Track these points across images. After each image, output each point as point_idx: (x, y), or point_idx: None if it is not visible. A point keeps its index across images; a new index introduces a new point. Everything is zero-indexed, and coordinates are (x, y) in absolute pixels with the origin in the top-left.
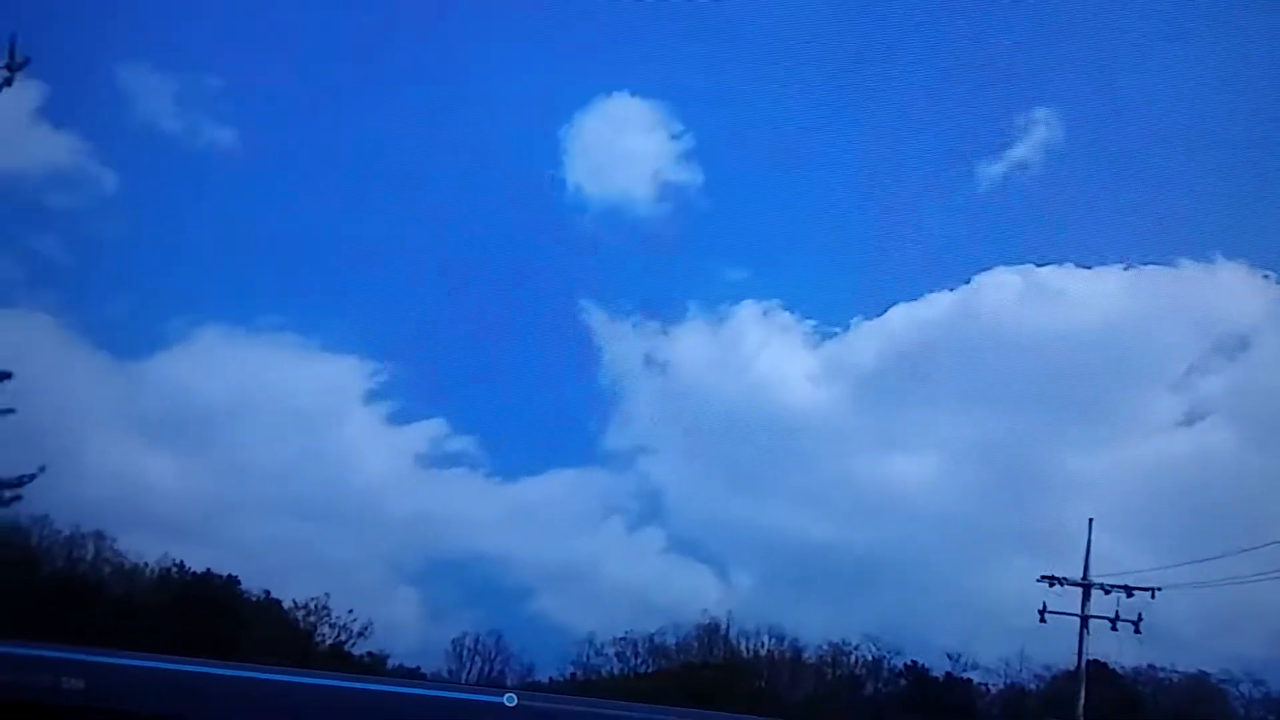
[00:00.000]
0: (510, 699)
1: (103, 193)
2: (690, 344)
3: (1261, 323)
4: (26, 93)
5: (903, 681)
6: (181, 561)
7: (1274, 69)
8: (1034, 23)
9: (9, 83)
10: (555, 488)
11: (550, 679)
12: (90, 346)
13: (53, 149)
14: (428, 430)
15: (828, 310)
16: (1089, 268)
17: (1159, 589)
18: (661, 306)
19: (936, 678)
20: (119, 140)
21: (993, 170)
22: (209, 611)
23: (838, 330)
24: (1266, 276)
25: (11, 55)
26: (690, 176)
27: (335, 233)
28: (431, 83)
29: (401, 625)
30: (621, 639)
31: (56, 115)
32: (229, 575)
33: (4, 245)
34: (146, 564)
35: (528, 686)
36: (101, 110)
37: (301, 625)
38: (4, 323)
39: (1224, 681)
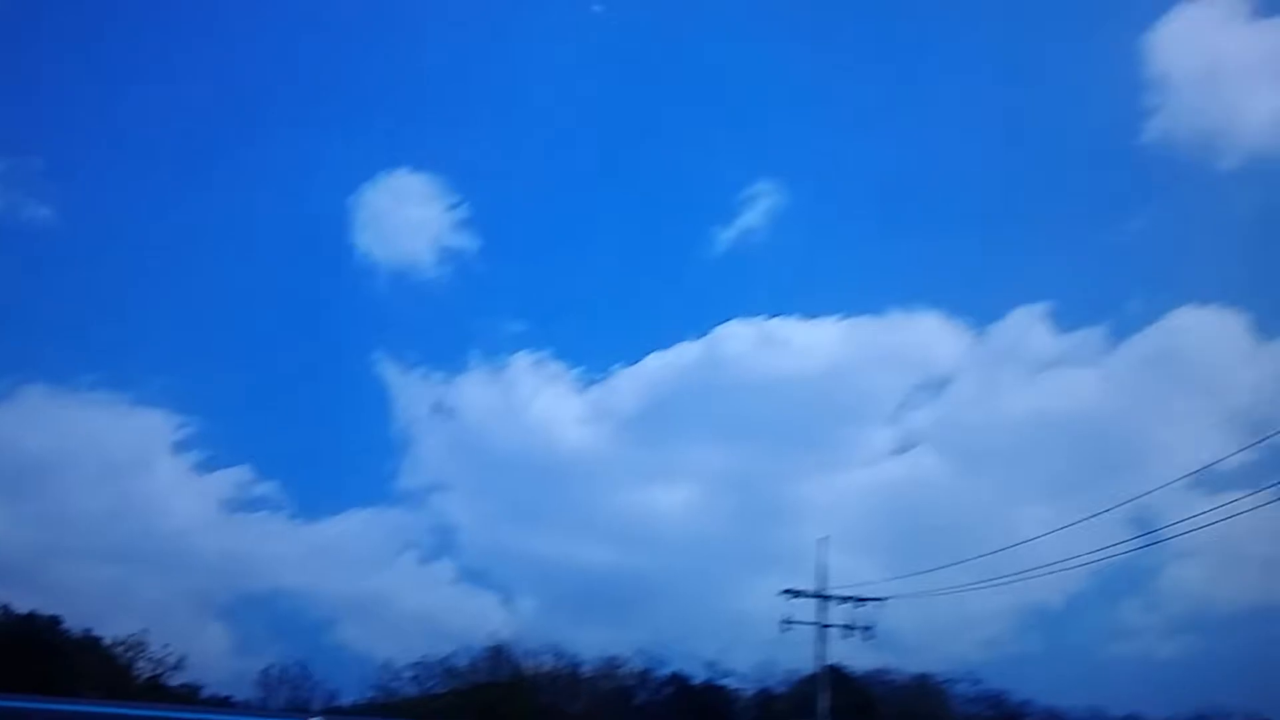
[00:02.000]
0: None
1: None
2: (473, 392)
3: (959, 364)
4: None
5: (668, 689)
6: (7, 605)
7: (966, 144)
8: (756, 102)
9: None
10: (354, 526)
11: (352, 703)
12: None
13: None
14: (233, 477)
15: (593, 359)
16: (812, 318)
17: (886, 599)
18: (446, 358)
19: (697, 685)
20: None
21: (726, 235)
22: (34, 651)
23: (601, 376)
24: (961, 324)
25: None
26: (468, 242)
27: (145, 298)
28: (231, 159)
29: (214, 657)
30: (417, 663)
31: None
32: (51, 616)
33: None
34: None
35: (331, 710)
36: None
37: (120, 660)
38: None
39: (945, 681)
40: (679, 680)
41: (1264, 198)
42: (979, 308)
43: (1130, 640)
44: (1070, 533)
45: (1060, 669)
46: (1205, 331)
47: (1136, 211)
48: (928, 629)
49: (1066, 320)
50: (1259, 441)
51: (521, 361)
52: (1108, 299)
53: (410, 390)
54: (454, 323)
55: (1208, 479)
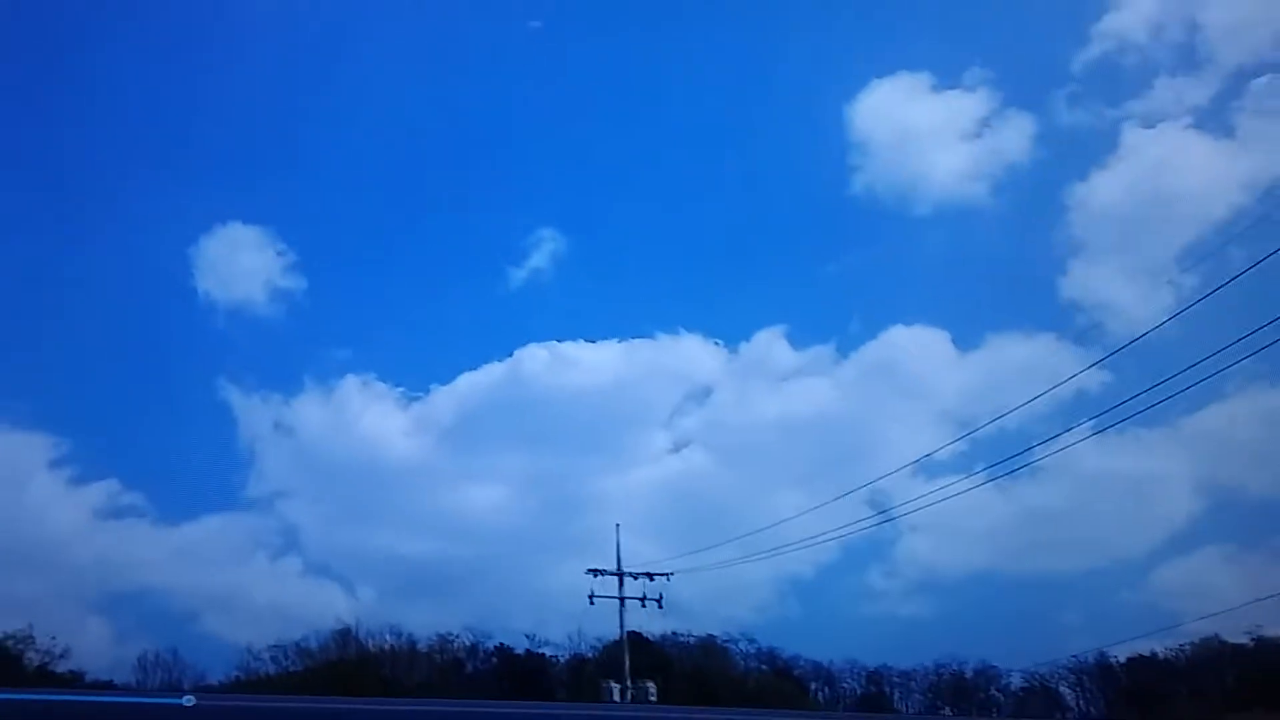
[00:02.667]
0: (189, 700)
1: None
2: (309, 411)
3: (718, 377)
4: None
5: (494, 659)
6: None
7: (712, 196)
8: (537, 159)
9: None
10: (210, 529)
11: (219, 682)
12: None
13: None
14: (103, 489)
15: (411, 379)
16: (594, 342)
17: (671, 573)
18: (282, 383)
19: (519, 654)
20: None
21: (519, 273)
22: None
23: (420, 395)
24: (717, 343)
25: None
26: (295, 283)
27: (15, 335)
28: (89, 212)
29: (94, 648)
30: (274, 646)
31: None
32: None
33: None
34: None
35: (202, 689)
36: None
37: (12, 652)
38: None
39: (727, 641)
40: (503, 651)
41: (951, 236)
42: (730, 330)
43: (876, 602)
44: (819, 513)
45: (819, 628)
46: (915, 346)
47: (850, 249)
48: (709, 597)
49: (801, 339)
50: (964, 436)
51: (349, 383)
52: (833, 321)
53: (253, 411)
54: (288, 352)
55: (927, 467)
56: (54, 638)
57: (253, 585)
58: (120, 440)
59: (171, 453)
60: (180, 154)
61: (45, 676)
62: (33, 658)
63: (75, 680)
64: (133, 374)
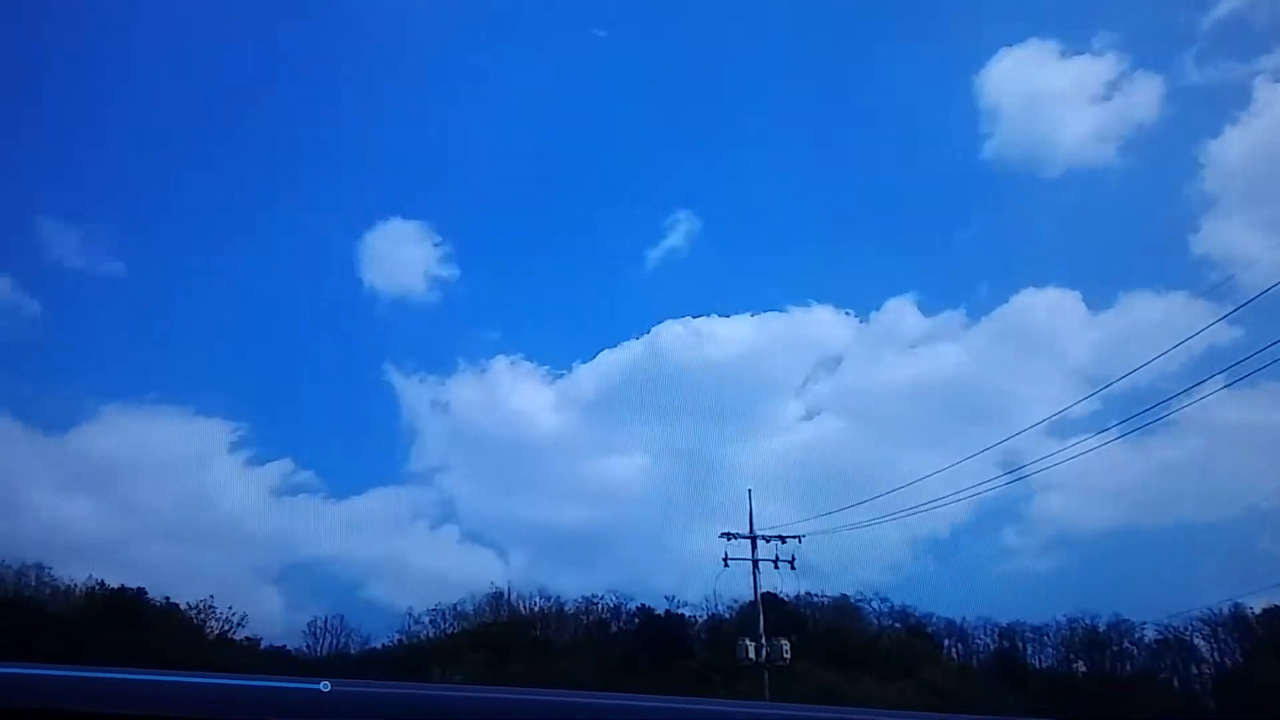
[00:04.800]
0: (325, 685)
1: (29, 315)
2: (463, 390)
3: (849, 346)
4: None
5: (636, 620)
6: (102, 580)
7: (842, 169)
8: (673, 142)
9: None
10: (375, 503)
11: (383, 645)
12: (22, 426)
13: None
14: (278, 468)
15: (556, 358)
16: (727, 317)
17: (804, 536)
18: (439, 364)
19: (660, 614)
20: (41, 276)
21: (655, 254)
22: (126, 617)
23: (564, 372)
24: (848, 313)
25: None
26: (450, 272)
27: (199, 330)
28: (263, 213)
29: (269, 616)
30: (433, 610)
31: None
32: (138, 588)
33: None
34: (76, 584)
35: (365, 651)
36: (26, 255)
37: (195, 620)
38: None
39: (859, 600)
40: (645, 611)
41: (1081, 198)
42: (861, 300)
43: (1009, 560)
44: (952, 474)
45: (952, 587)
46: (1046, 308)
47: (981, 215)
48: (842, 559)
49: (931, 306)
50: (1095, 393)
51: (499, 363)
52: (963, 287)
53: (412, 392)
54: (443, 336)
55: (1060, 426)
56: (231, 607)
57: (414, 553)
58: (294, 423)
59: (341, 433)
60: (343, 154)
61: (225, 643)
62: (214, 626)
63: (252, 645)
64: (305, 362)
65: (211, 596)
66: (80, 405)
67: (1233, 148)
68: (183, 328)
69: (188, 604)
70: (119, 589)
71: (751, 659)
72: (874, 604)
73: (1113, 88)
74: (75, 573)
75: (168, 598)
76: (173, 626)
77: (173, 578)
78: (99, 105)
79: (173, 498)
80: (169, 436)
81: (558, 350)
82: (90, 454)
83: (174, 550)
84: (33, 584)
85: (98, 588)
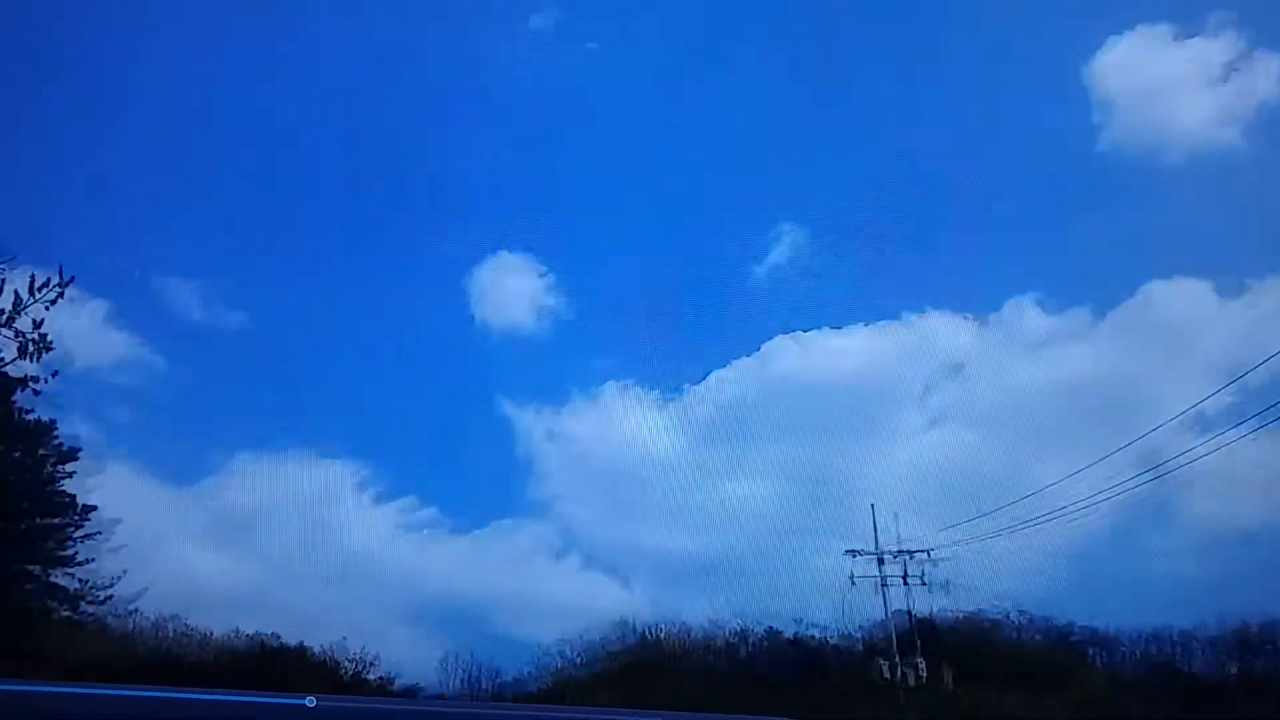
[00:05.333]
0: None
1: (156, 370)
2: (575, 419)
3: (969, 351)
4: (94, 308)
5: (765, 643)
6: (238, 628)
7: (948, 166)
8: (771, 152)
9: (60, 296)
10: (497, 535)
11: (513, 677)
12: (157, 480)
13: (117, 343)
14: (403, 505)
15: (666, 381)
16: (839, 328)
17: (933, 550)
18: (551, 395)
19: (789, 637)
20: (165, 331)
21: (759, 270)
22: (263, 662)
23: (676, 395)
24: (966, 317)
25: (60, 276)
26: (557, 303)
27: (321, 375)
28: (370, 256)
29: (401, 655)
30: (561, 640)
31: (119, 319)
32: (272, 633)
33: (88, 417)
34: (212, 633)
35: (497, 685)
36: (150, 312)
37: (328, 663)
38: (92, 473)
39: (997, 613)
40: (773, 635)
41: (1205, 184)
42: (978, 302)
43: (1152, 562)
44: (1086, 477)
45: (1094, 594)
46: (1175, 299)
47: (1100, 207)
48: (975, 572)
49: (1053, 304)
50: (1230, 383)
51: (611, 390)
52: (1086, 282)
53: (526, 423)
54: (554, 366)
55: (1198, 420)
56: (364, 647)
57: (538, 584)
58: (415, 460)
59: (459, 467)
60: (447, 194)
61: (359, 684)
62: (347, 666)
63: (385, 685)
64: (421, 399)
65: (344, 638)
66: (210, 455)
67: None
68: (303, 372)
69: (320, 647)
70: (253, 635)
71: (886, 679)
72: (1013, 616)
73: (1230, 69)
74: (212, 621)
75: (301, 642)
76: (306, 668)
77: (307, 621)
78: (210, 162)
79: (303, 542)
80: (296, 480)
81: (668, 373)
82: (222, 503)
83: (307, 594)
84: (170, 635)
85: (233, 635)
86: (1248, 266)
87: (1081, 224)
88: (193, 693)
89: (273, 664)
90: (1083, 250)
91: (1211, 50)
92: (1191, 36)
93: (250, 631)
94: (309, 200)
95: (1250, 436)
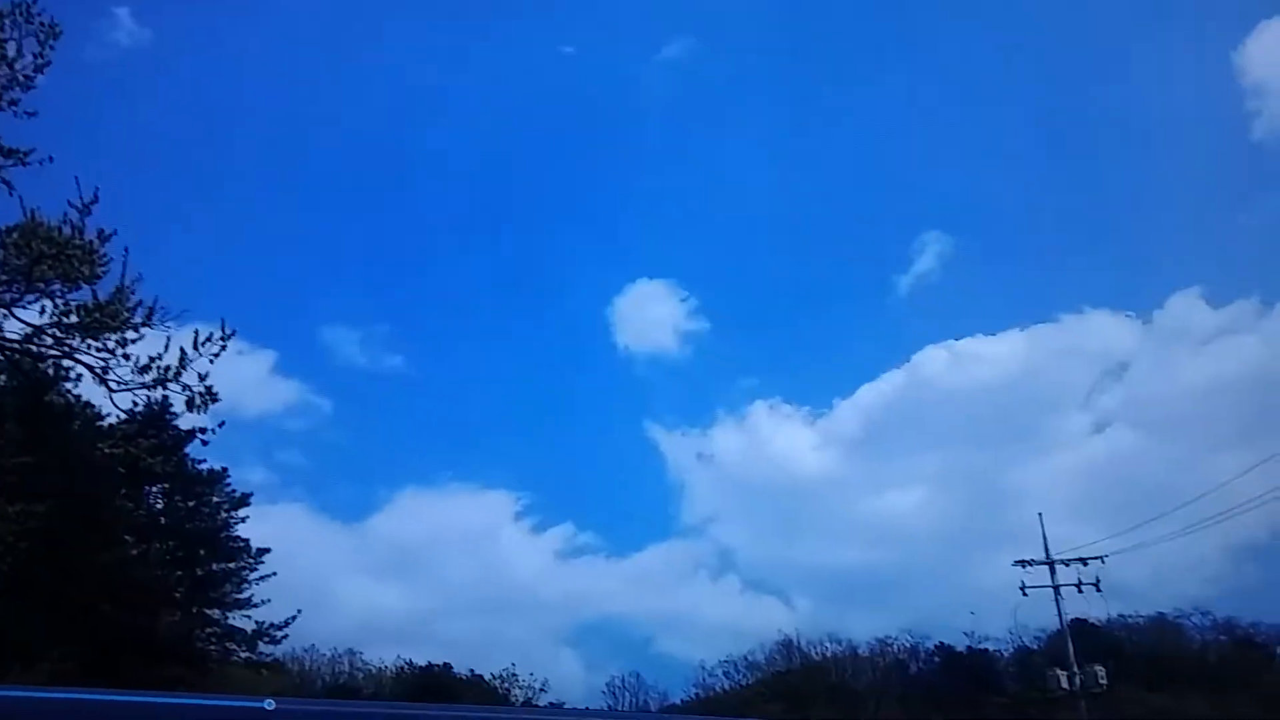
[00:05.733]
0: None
1: (323, 414)
2: (725, 439)
3: (1133, 350)
4: (263, 358)
5: (936, 659)
6: (410, 660)
7: (1101, 164)
8: (915, 161)
9: (224, 348)
10: (656, 558)
11: (681, 699)
12: (327, 519)
13: (286, 391)
14: (561, 533)
15: (815, 397)
16: (994, 334)
17: (1106, 555)
18: (699, 417)
19: (961, 652)
20: (330, 377)
21: (906, 280)
22: (434, 694)
23: (825, 410)
24: (1128, 315)
25: (223, 329)
26: (700, 325)
27: (478, 410)
28: (514, 295)
29: (569, 678)
30: (725, 661)
31: (286, 368)
32: (444, 663)
33: (261, 461)
34: (386, 666)
35: (665, 708)
36: (315, 360)
37: (499, 691)
38: (267, 514)
39: (1179, 617)
40: (944, 650)
41: None
42: (1140, 299)
43: None
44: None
45: (1278, 591)
46: None
47: (1264, 196)
48: (1154, 576)
49: (1219, 297)
50: None
51: (758, 409)
52: (1254, 273)
53: (676, 446)
54: (700, 388)
55: None
56: (532, 673)
57: (699, 605)
58: (570, 488)
59: (613, 493)
60: (588, 226)
61: (530, 709)
62: (518, 694)
63: (556, 710)
64: (573, 428)
65: (513, 664)
66: (376, 493)
67: None
68: (460, 408)
69: (492, 674)
70: (426, 666)
71: (1065, 688)
72: (1194, 619)
73: None
74: (385, 654)
75: (472, 670)
76: (478, 698)
77: (475, 650)
78: (359, 211)
79: (468, 572)
80: (460, 514)
81: (816, 389)
82: (390, 539)
83: (474, 623)
84: (346, 669)
85: (406, 667)
86: None
87: (1242, 214)
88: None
89: (446, 693)
90: (1246, 240)
91: None
92: None
93: (422, 662)
94: (457, 240)
95: None
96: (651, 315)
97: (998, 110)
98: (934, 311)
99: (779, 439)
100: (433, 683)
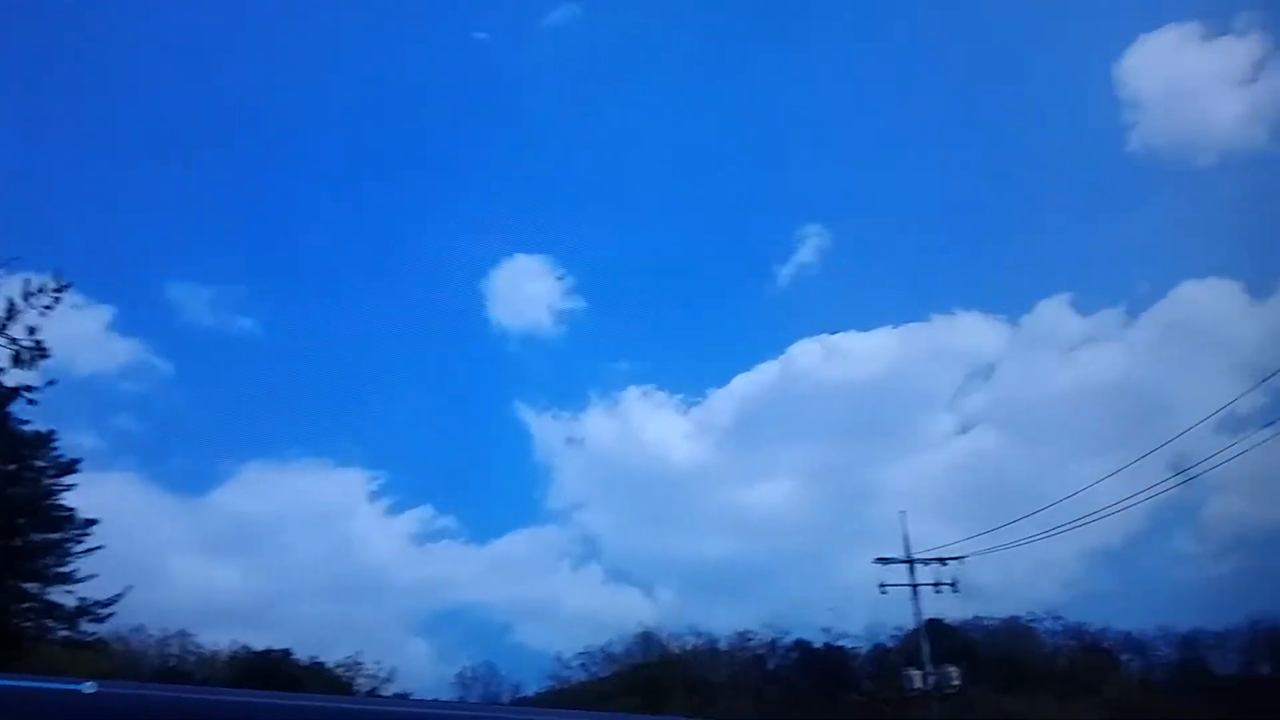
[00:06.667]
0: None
1: (164, 377)
2: (596, 424)
3: (1001, 352)
4: (100, 314)
5: (794, 655)
6: (246, 644)
7: (980, 168)
8: (797, 154)
9: (57, 301)
10: (517, 545)
11: (535, 692)
12: (163, 491)
13: (123, 350)
14: (419, 515)
15: (689, 385)
16: (867, 331)
17: (965, 556)
18: (570, 399)
19: (819, 649)
20: (173, 337)
21: (786, 270)
22: (271, 681)
23: (699, 399)
24: (997, 318)
25: (57, 281)
26: (575, 304)
27: (333, 381)
28: (385, 263)
29: (418, 668)
30: (582, 653)
31: (125, 326)
32: (284, 649)
33: (93, 425)
34: (220, 650)
35: (518, 701)
36: (158, 318)
37: (343, 679)
38: (97, 483)
39: (1031, 620)
40: (802, 646)
41: (1236, 184)
42: (1010, 303)
43: (1185, 566)
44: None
45: (1128, 598)
46: (1207, 299)
47: (1132, 207)
48: (1009, 578)
49: (1086, 305)
50: (1262, 382)
51: (631, 394)
52: (1119, 283)
53: (545, 429)
54: (573, 370)
55: (1229, 422)
56: (379, 662)
57: (559, 595)
58: (430, 469)
59: (477, 476)
60: (462, 198)
61: (374, 700)
62: (362, 683)
63: (403, 701)
64: (438, 406)
65: (359, 652)
66: (219, 465)
67: None
68: (316, 379)
69: (335, 662)
70: (264, 652)
71: (919, 688)
72: (1046, 623)
73: (1259, 69)
74: (219, 637)
75: (314, 657)
76: (319, 687)
77: (319, 636)
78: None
79: (315, 553)
80: (309, 491)
81: (691, 377)
82: (232, 515)
83: (319, 608)
84: (176, 652)
85: (242, 652)
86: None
87: (1113, 224)
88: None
89: (284, 680)
90: (1116, 250)
91: (1239, 50)
92: (1220, 35)
93: (260, 647)
94: (322, 206)
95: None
96: (527, 291)
97: (882, 106)
98: (812, 304)
99: (651, 426)
100: (270, 669)
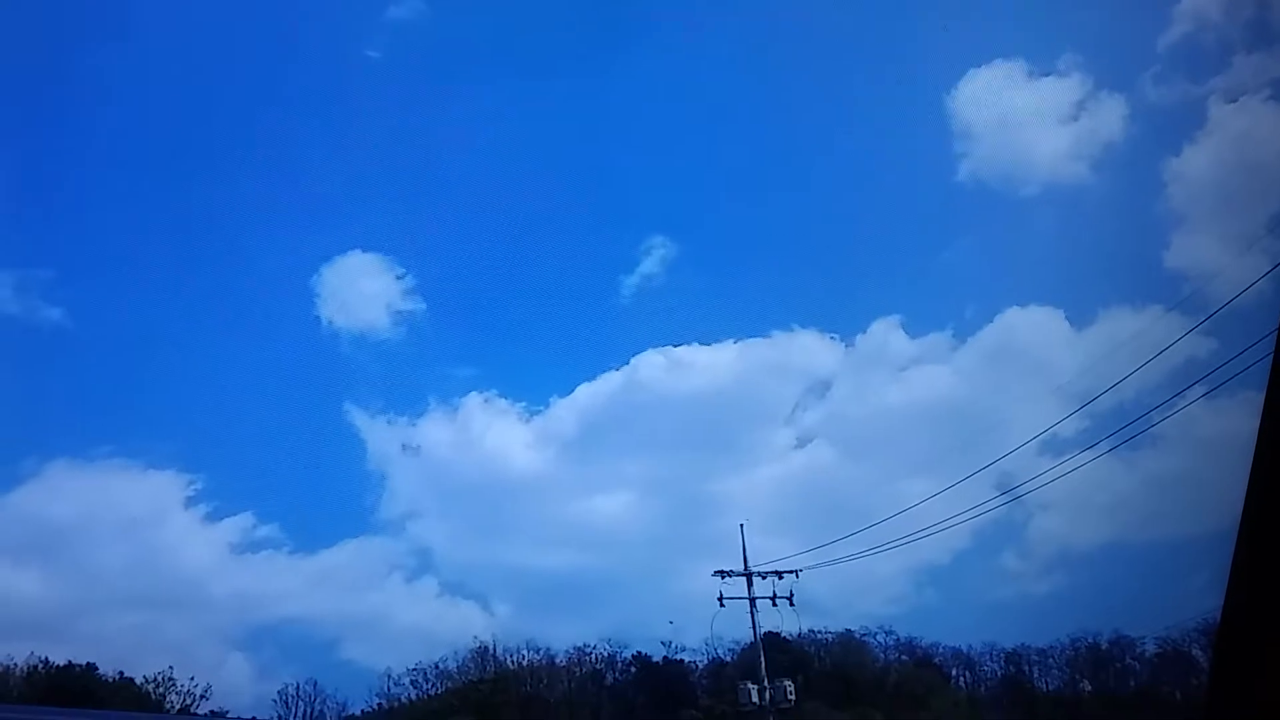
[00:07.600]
0: None
1: None
2: (434, 431)
3: (836, 370)
4: None
5: (633, 669)
6: (46, 658)
7: (819, 195)
8: (646, 167)
9: None
10: (345, 555)
11: (361, 710)
12: None
13: None
14: (239, 523)
15: (532, 393)
16: (709, 345)
17: (801, 570)
18: (408, 405)
19: (657, 662)
20: None
21: (631, 281)
22: (74, 698)
23: (541, 408)
24: (833, 337)
25: None
26: (416, 305)
27: (148, 376)
28: (208, 254)
29: (236, 685)
30: (414, 669)
31: None
32: (87, 664)
33: None
34: (15, 664)
35: (346, 719)
36: None
37: (153, 696)
38: None
39: (864, 634)
40: (642, 659)
41: (1058, 216)
42: (846, 324)
43: (1011, 583)
44: (948, 499)
45: (957, 614)
46: (1030, 326)
47: (961, 235)
48: (843, 592)
49: (917, 328)
50: (1081, 408)
51: (472, 401)
52: (948, 307)
53: (379, 434)
54: (411, 374)
55: (1051, 444)
56: (193, 678)
57: (391, 608)
58: (253, 473)
59: (303, 482)
60: (293, 188)
61: (187, 718)
62: (174, 700)
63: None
64: (261, 408)
65: (171, 668)
66: (19, 464)
67: (1193, 165)
68: (129, 374)
69: (144, 678)
70: (65, 666)
71: (755, 703)
72: (879, 637)
73: (1079, 107)
74: (16, 650)
75: (121, 673)
76: (127, 704)
77: (127, 650)
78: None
79: (125, 561)
80: (119, 494)
81: (534, 385)
82: (32, 518)
83: (128, 619)
84: None
85: (41, 666)
86: (1097, 296)
87: (945, 250)
88: None
89: (87, 697)
90: (945, 276)
91: (1062, 88)
92: (1045, 74)
93: (61, 661)
94: (140, 190)
95: (1100, 460)
96: (362, 289)
97: (726, 124)
98: (656, 315)
99: (491, 434)
100: (72, 684)
